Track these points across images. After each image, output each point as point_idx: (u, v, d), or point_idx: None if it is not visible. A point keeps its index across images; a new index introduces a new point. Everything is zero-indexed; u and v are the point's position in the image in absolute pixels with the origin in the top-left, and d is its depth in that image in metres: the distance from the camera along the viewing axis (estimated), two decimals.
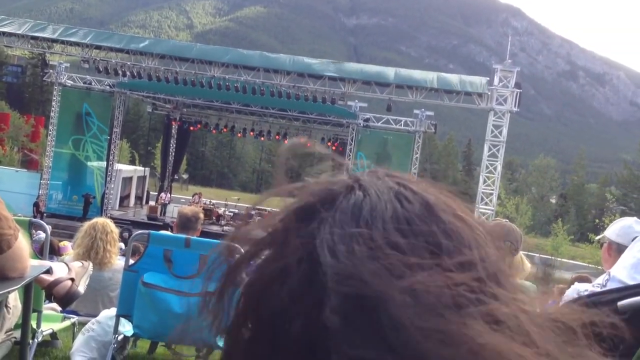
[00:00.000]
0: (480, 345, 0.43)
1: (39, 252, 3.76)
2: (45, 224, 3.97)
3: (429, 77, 25.82)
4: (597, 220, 43.54)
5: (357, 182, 0.52)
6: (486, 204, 24.72)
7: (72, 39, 26.28)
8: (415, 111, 25.81)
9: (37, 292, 3.00)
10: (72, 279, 2.72)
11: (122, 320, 4.06)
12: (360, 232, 0.47)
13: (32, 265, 2.37)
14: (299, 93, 24.95)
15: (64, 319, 4.29)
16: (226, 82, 25.05)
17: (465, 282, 0.46)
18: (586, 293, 2.04)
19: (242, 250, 0.55)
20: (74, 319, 4.38)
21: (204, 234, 5.39)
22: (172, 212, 25.87)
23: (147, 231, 4.28)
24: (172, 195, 32.99)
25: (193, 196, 30.69)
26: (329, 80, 25.22)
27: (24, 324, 2.78)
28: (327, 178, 0.55)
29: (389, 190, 0.51)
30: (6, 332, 2.80)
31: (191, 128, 32.34)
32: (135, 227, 20.17)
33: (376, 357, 0.43)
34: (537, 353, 0.44)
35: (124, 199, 30.69)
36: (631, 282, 1.83)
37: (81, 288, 2.81)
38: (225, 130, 31.11)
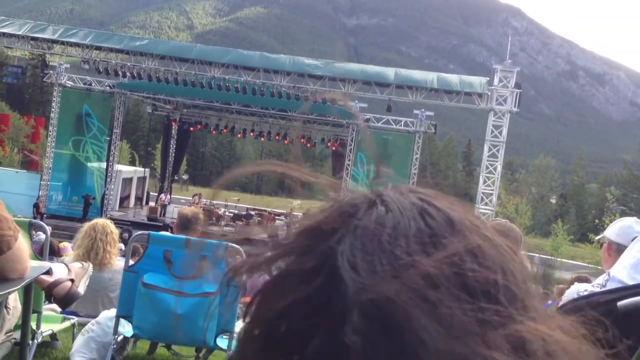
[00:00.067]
0: None
1: (38, 253, 3.76)
2: (45, 225, 3.97)
3: (429, 77, 25.84)
4: (597, 221, 43.54)
5: (379, 197, 0.51)
6: (486, 204, 24.73)
7: (72, 40, 26.29)
8: (415, 111, 25.83)
9: (37, 293, 3.00)
10: (72, 280, 2.72)
11: (122, 321, 4.06)
12: (383, 248, 0.46)
13: (32, 266, 2.37)
14: (299, 93, 24.96)
15: (64, 319, 4.29)
16: (226, 82, 25.06)
17: (491, 307, 0.44)
18: (586, 293, 2.04)
19: (252, 253, 0.54)
20: (74, 319, 4.38)
21: (203, 234, 5.38)
22: (172, 212, 25.87)
23: (147, 232, 4.27)
24: (172, 196, 33.01)
25: (193, 197, 30.71)
26: (329, 80, 25.23)
27: (23, 325, 2.78)
28: (349, 192, 0.54)
29: (412, 207, 0.49)
30: (6, 333, 2.80)
31: (191, 129, 32.34)
32: (135, 228, 20.17)
33: None
34: None
35: (124, 199, 30.70)
36: (631, 282, 1.83)
37: (81, 289, 2.81)
38: (225, 130, 31.11)
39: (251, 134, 31.01)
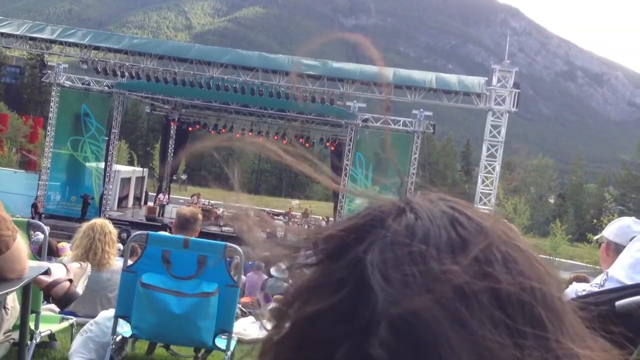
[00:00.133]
0: None
1: (37, 253, 3.75)
2: (43, 225, 3.97)
3: (428, 77, 25.86)
4: (595, 220, 43.56)
5: (408, 204, 0.49)
6: (484, 204, 24.74)
7: (71, 40, 26.29)
8: (414, 111, 25.83)
9: (36, 293, 2.99)
10: (71, 280, 2.72)
11: (121, 321, 4.06)
12: (414, 258, 0.44)
13: (31, 266, 2.37)
14: (297, 93, 24.96)
15: (62, 320, 4.29)
16: (225, 82, 25.05)
17: (527, 330, 0.42)
18: (584, 293, 2.05)
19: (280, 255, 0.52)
20: (72, 320, 4.37)
21: (202, 234, 5.38)
22: (171, 212, 25.87)
23: (145, 232, 4.27)
24: (170, 195, 32.99)
25: (192, 197, 30.70)
26: (327, 80, 25.23)
27: (22, 325, 2.78)
28: (376, 198, 0.52)
29: (443, 215, 0.47)
30: (4, 334, 2.80)
31: (190, 129, 32.32)
32: (134, 228, 20.15)
33: None
34: None
35: (123, 199, 30.68)
36: (629, 282, 1.83)
37: (79, 289, 2.81)
38: (224, 130, 31.09)
39: (250, 134, 30.97)
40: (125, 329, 4.10)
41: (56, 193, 26.49)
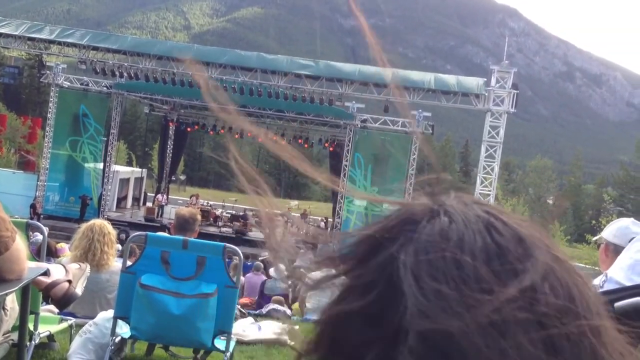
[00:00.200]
0: None
1: (36, 254, 3.75)
2: (42, 225, 3.97)
3: (426, 78, 25.86)
4: (594, 221, 43.55)
5: (441, 206, 0.47)
6: None
7: (69, 40, 26.27)
8: (413, 112, 25.82)
9: (35, 294, 2.99)
10: (70, 281, 2.72)
11: (120, 322, 4.06)
12: (449, 266, 0.42)
13: (30, 267, 2.37)
14: (296, 94, 24.96)
15: (61, 321, 4.28)
16: (223, 83, 25.03)
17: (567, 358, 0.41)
18: None
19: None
20: (71, 321, 4.37)
21: (201, 235, 5.38)
22: (170, 213, 25.85)
23: (144, 233, 4.27)
24: (169, 196, 32.96)
25: (190, 197, 30.68)
26: (326, 81, 25.23)
27: (21, 326, 2.78)
28: (407, 199, 0.51)
29: (478, 219, 0.46)
30: (3, 335, 2.80)
31: (188, 129, 32.30)
32: (133, 229, 20.14)
33: None
34: None
35: (121, 200, 30.65)
36: (628, 284, 1.83)
37: (78, 290, 2.81)
38: (222, 131, 31.04)
39: (248, 134, 30.90)
40: (124, 329, 4.10)
41: (55, 194, 26.47)
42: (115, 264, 4.98)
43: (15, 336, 2.90)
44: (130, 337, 4.15)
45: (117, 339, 4.08)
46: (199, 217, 4.97)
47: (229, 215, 28.62)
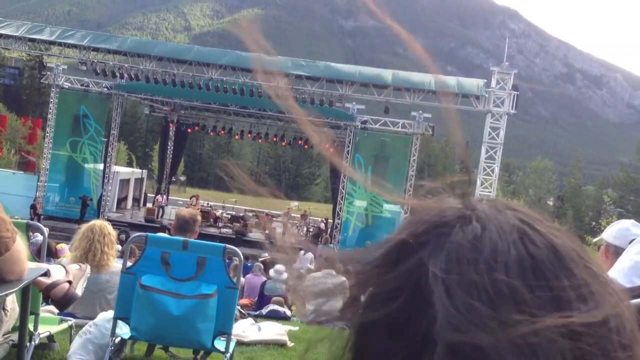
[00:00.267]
0: None
1: (36, 255, 3.75)
2: (42, 226, 3.97)
3: (427, 79, 25.83)
4: (594, 223, 43.56)
5: (473, 211, 0.45)
6: None
7: (70, 41, 26.27)
8: (413, 113, 25.84)
9: (35, 295, 2.99)
10: (70, 282, 2.72)
11: (120, 322, 4.06)
12: (482, 278, 0.40)
13: (30, 268, 2.37)
14: (296, 95, 24.96)
15: (61, 321, 4.28)
16: (224, 84, 25.05)
17: None
18: None
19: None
20: (71, 321, 4.37)
21: (201, 236, 5.38)
22: (170, 214, 25.85)
23: (144, 233, 4.27)
24: (169, 197, 32.96)
25: (191, 198, 30.67)
26: (326, 82, 25.23)
27: (21, 327, 2.78)
28: (436, 202, 0.48)
29: (512, 229, 0.43)
30: (3, 335, 2.80)
31: (189, 130, 32.30)
32: (133, 230, 20.14)
33: None
34: None
35: (122, 201, 30.65)
36: (629, 285, 1.83)
37: (78, 290, 2.81)
38: (222, 132, 31.11)
39: (249, 135, 30.99)
40: (124, 330, 4.10)
41: (55, 194, 26.47)
42: (116, 264, 4.98)
43: (15, 337, 2.90)
44: (130, 338, 4.15)
45: (117, 340, 4.08)
46: (199, 218, 4.97)
47: (229, 216, 28.63)
